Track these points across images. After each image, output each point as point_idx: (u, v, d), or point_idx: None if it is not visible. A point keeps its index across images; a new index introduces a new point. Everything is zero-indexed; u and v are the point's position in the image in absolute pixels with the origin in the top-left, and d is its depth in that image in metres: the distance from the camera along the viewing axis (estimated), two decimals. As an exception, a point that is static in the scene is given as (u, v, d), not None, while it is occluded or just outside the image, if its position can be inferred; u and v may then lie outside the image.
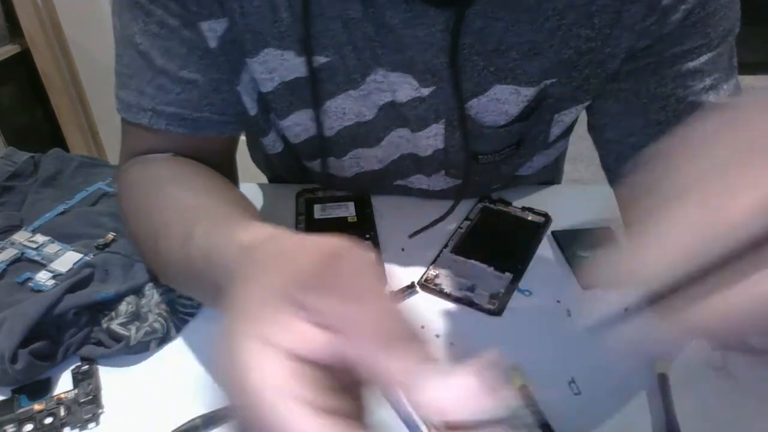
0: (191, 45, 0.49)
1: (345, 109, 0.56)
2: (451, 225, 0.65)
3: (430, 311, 0.54)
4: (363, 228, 0.64)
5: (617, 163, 0.56)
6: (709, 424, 0.46)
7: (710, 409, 0.47)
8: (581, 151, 1.94)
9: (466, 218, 0.66)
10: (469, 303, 0.55)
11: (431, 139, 0.59)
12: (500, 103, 0.55)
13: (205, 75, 0.51)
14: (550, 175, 0.77)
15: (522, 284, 0.58)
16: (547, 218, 0.66)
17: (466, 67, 0.51)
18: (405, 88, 0.53)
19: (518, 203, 0.68)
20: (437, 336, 0.52)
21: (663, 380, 0.48)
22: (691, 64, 0.49)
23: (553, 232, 0.65)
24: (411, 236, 0.63)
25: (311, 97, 0.54)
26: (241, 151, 0.79)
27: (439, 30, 0.48)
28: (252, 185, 0.74)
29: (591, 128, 0.59)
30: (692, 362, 0.51)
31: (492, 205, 0.69)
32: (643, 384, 0.49)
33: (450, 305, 0.55)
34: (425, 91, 0.53)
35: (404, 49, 0.49)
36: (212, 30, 0.49)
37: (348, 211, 0.67)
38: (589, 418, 0.46)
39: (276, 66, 0.52)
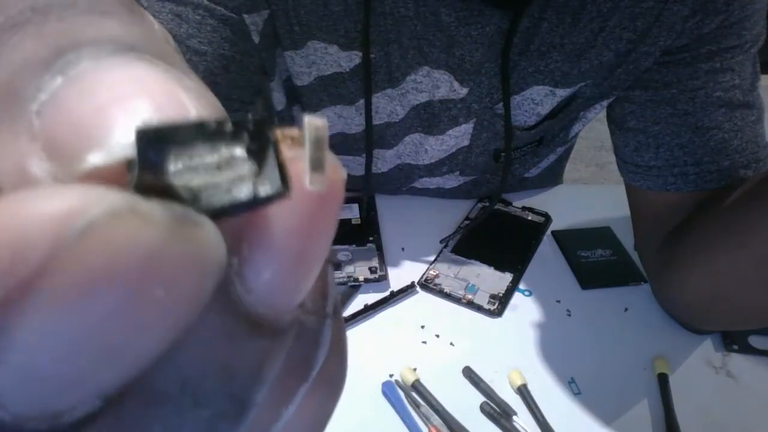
0: (206, 13, 0.46)
1: (378, 108, 0.56)
2: (451, 225, 0.65)
3: (430, 311, 0.54)
4: (367, 230, 0.64)
5: (637, 152, 0.55)
6: (709, 424, 0.46)
7: (710, 409, 0.47)
8: (581, 151, 1.95)
9: (466, 218, 0.66)
10: (469, 303, 0.55)
11: (459, 138, 0.59)
12: (534, 103, 0.55)
13: (216, 50, 0.47)
14: (552, 178, 0.77)
15: (522, 284, 0.58)
16: (547, 218, 0.66)
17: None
18: (443, 88, 0.53)
19: (518, 203, 0.68)
20: (437, 336, 0.52)
21: (663, 380, 0.48)
22: (725, 63, 0.50)
23: (553, 232, 0.65)
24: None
25: (364, 91, 0.53)
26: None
27: (493, 30, 0.48)
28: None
29: (611, 117, 0.59)
30: (692, 362, 0.51)
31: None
32: (643, 384, 0.49)
33: (450, 305, 0.55)
34: (462, 91, 0.53)
35: (453, 47, 0.49)
36: (254, 24, 0.48)
37: (352, 212, 0.67)
38: (589, 418, 0.46)
39: (316, 60, 0.52)
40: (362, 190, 0.68)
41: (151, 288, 0.06)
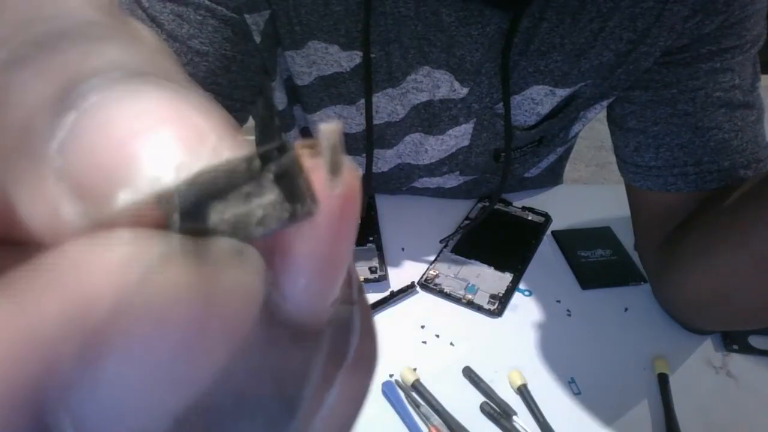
0: (207, 14, 0.46)
1: (378, 108, 0.56)
2: (451, 225, 0.65)
3: (430, 311, 0.55)
4: (367, 230, 0.64)
5: (637, 152, 0.55)
6: (709, 424, 0.46)
7: (710, 409, 0.47)
8: (581, 151, 1.95)
9: (466, 218, 0.66)
10: (469, 303, 0.55)
11: (459, 138, 0.59)
12: (534, 103, 0.55)
13: (217, 50, 0.47)
14: (552, 178, 0.77)
15: (522, 284, 0.58)
16: (547, 218, 0.66)
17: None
18: (444, 87, 0.53)
19: (518, 203, 0.68)
20: (437, 336, 0.52)
21: (663, 380, 0.48)
22: (725, 63, 0.50)
23: (553, 232, 0.65)
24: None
25: (365, 90, 0.53)
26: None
27: (493, 30, 0.48)
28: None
29: (611, 117, 0.59)
30: (692, 362, 0.51)
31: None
32: (643, 384, 0.49)
33: (450, 305, 0.55)
34: (463, 91, 0.53)
35: (454, 47, 0.49)
36: (256, 24, 0.48)
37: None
38: (589, 418, 0.46)
39: (317, 59, 0.52)
40: (362, 190, 0.68)
41: (209, 321, 0.07)
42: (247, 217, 0.08)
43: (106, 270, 0.06)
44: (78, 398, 0.06)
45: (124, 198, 0.07)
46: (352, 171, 0.09)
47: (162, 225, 0.07)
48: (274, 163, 0.08)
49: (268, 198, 0.08)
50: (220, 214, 0.08)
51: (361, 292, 0.12)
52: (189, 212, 0.08)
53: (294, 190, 0.08)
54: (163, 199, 0.08)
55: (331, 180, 0.09)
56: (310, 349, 0.10)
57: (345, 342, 0.11)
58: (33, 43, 0.09)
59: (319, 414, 0.11)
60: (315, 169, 0.09)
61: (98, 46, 0.09)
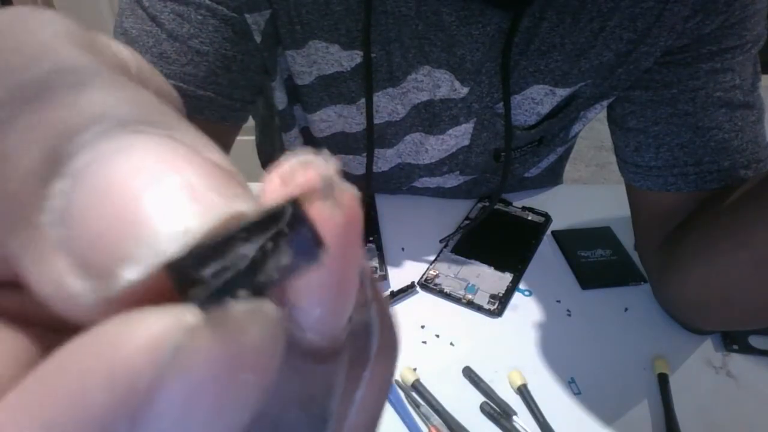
0: (207, 13, 0.45)
1: (379, 107, 0.56)
2: (451, 225, 0.65)
3: (430, 311, 0.55)
4: (367, 230, 0.64)
5: (637, 152, 0.55)
6: (709, 424, 0.46)
7: (710, 409, 0.47)
8: (581, 151, 1.95)
9: (466, 218, 0.66)
10: (469, 303, 0.55)
11: (459, 138, 0.59)
12: (534, 102, 0.55)
13: (218, 50, 0.47)
14: (552, 178, 0.77)
15: (522, 284, 0.58)
16: (547, 218, 0.66)
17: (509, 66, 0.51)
18: (444, 87, 0.53)
19: (518, 203, 0.68)
20: (437, 336, 0.52)
21: (663, 380, 0.48)
22: (726, 63, 0.50)
23: (553, 232, 0.65)
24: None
25: (365, 90, 0.53)
26: (246, 152, 0.79)
27: (494, 29, 0.48)
28: (258, 185, 0.74)
29: (611, 117, 0.59)
30: (692, 362, 0.51)
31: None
32: (643, 384, 0.49)
33: (450, 305, 0.55)
34: (463, 91, 0.53)
35: (454, 46, 0.49)
36: (256, 23, 0.48)
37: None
38: (589, 418, 0.46)
39: (317, 59, 0.52)
40: (362, 190, 0.68)
41: (240, 378, 0.08)
42: (259, 272, 0.08)
43: (142, 347, 0.07)
44: None
45: (129, 276, 0.08)
46: (349, 192, 0.09)
47: (174, 293, 0.08)
48: (277, 216, 0.08)
49: (277, 248, 0.08)
50: (231, 273, 0.08)
51: (375, 286, 0.12)
52: (199, 278, 0.08)
53: (299, 235, 0.08)
54: (171, 267, 0.08)
55: (329, 208, 0.09)
56: (331, 369, 0.10)
57: (366, 345, 0.11)
58: (18, 97, 0.08)
59: (350, 411, 0.11)
60: (317, 211, 0.09)
61: (84, 95, 0.09)
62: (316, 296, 0.09)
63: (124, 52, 0.11)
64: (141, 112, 0.09)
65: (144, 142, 0.08)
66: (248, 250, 0.08)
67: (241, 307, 0.08)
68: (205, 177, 0.08)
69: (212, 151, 0.09)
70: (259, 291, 0.08)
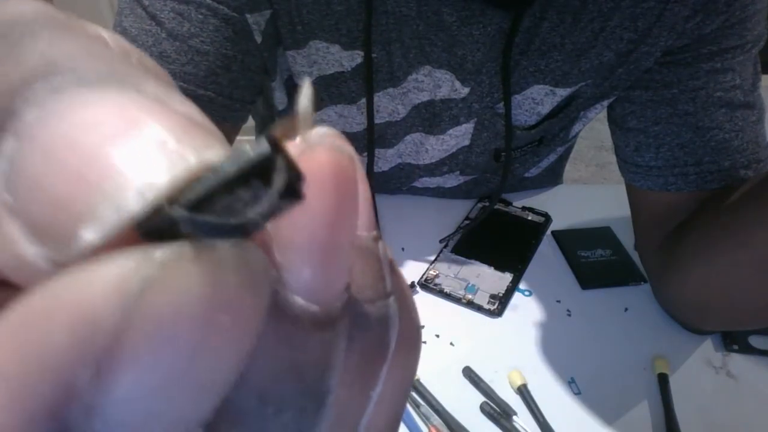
0: (208, 13, 0.45)
1: (379, 107, 0.56)
2: (451, 225, 0.65)
3: (430, 311, 0.54)
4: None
5: (637, 152, 0.55)
6: (709, 424, 0.46)
7: (710, 409, 0.47)
8: (581, 151, 1.95)
9: (466, 218, 0.66)
10: (469, 303, 0.55)
11: (459, 138, 0.59)
12: (535, 102, 0.55)
13: (218, 49, 0.47)
14: (552, 178, 0.77)
15: (522, 284, 0.58)
16: (547, 218, 0.66)
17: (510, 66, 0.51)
18: (445, 87, 0.53)
19: (518, 203, 0.68)
20: (437, 336, 0.52)
21: (663, 380, 0.48)
22: (726, 63, 0.50)
23: (553, 232, 0.65)
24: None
25: (366, 90, 0.53)
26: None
27: (494, 29, 0.48)
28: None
29: (612, 117, 0.59)
30: (692, 362, 0.51)
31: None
32: (643, 384, 0.49)
33: (450, 305, 0.55)
34: (463, 91, 0.53)
35: (455, 47, 0.50)
36: (257, 23, 0.48)
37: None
38: (589, 418, 0.46)
39: (318, 59, 0.52)
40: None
41: (219, 321, 0.07)
42: (235, 210, 0.07)
43: (108, 284, 0.06)
44: (101, 417, 0.06)
45: (88, 237, 0.07)
46: (334, 136, 0.09)
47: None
48: (252, 154, 0.08)
49: (254, 191, 0.08)
50: (210, 216, 0.07)
51: (396, 276, 0.11)
52: (170, 232, 0.07)
53: (278, 176, 0.08)
54: (138, 222, 0.07)
55: (310, 149, 0.08)
56: (325, 339, 0.09)
57: (384, 339, 0.11)
58: None
59: (367, 409, 0.11)
60: (299, 151, 0.08)
61: (32, 46, 0.08)
62: (304, 254, 0.09)
63: (107, 32, 0.10)
64: (99, 63, 0.08)
65: (101, 94, 0.07)
66: (224, 198, 0.07)
67: (224, 244, 0.07)
68: (172, 129, 0.07)
69: (182, 103, 0.08)
70: (244, 234, 0.07)
